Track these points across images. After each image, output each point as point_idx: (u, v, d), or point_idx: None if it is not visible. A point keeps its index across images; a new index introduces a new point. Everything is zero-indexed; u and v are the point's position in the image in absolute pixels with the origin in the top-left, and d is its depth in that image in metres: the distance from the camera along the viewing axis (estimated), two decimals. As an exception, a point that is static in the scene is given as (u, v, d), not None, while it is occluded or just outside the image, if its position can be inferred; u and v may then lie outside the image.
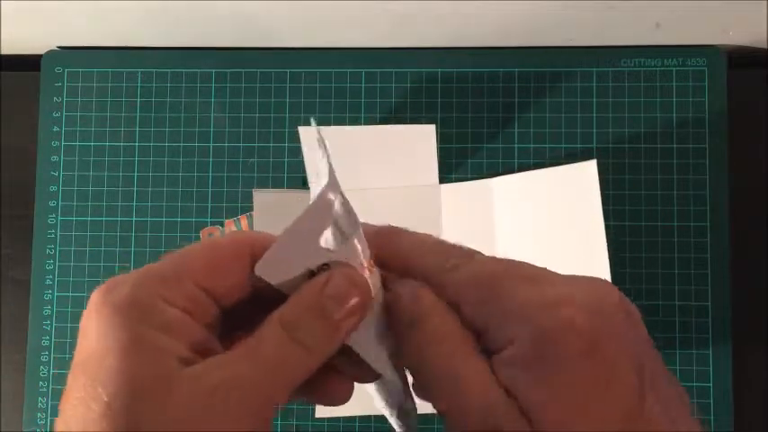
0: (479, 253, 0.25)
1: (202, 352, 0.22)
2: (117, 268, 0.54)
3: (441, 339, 0.23)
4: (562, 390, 0.21)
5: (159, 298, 0.22)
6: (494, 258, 0.25)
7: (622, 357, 0.22)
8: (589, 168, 0.50)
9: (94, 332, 0.22)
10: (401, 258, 0.26)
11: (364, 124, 0.54)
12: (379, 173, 0.53)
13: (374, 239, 0.26)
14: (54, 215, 0.55)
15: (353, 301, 0.24)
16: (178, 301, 0.23)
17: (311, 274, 0.24)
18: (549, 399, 0.21)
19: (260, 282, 0.24)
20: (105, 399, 0.21)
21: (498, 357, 0.23)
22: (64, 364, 0.53)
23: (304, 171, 0.53)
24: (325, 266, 0.24)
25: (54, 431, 0.22)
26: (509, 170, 0.53)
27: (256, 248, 0.24)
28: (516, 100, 0.54)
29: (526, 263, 0.25)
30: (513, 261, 0.25)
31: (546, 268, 0.25)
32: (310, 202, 0.25)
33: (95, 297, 0.23)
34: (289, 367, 0.23)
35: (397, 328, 0.25)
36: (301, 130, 0.51)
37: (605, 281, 0.24)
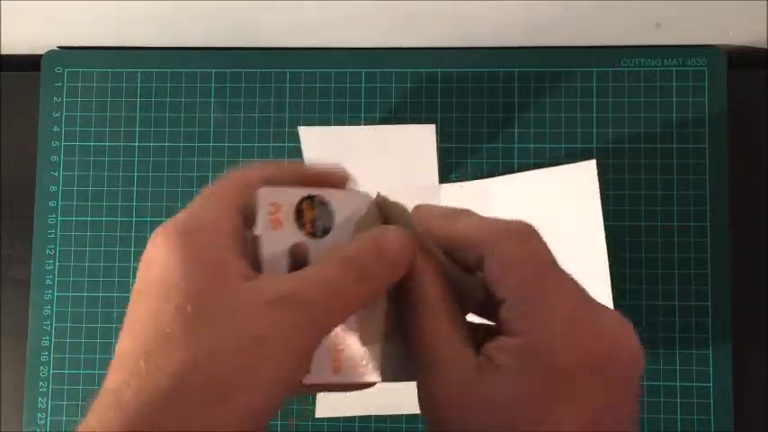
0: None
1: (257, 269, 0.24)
2: (117, 268, 0.54)
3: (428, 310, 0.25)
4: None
5: (214, 222, 0.24)
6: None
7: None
8: (589, 168, 0.50)
9: (163, 256, 0.23)
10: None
11: (364, 124, 0.54)
12: (379, 173, 0.53)
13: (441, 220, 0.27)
14: (54, 215, 0.55)
15: (406, 243, 0.25)
16: (229, 225, 0.24)
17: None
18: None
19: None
20: (175, 309, 0.22)
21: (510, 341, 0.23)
22: (64, 364, 0.53)
23: (304, 171, 0.53)
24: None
25: (119, 345, 0.23)
26: (509, 170, 0.53)
27: (250, 180, 0.26)
28: (516, 100, 0.54)
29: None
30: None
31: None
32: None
33: (159, 230, 0.24)
34: (342, 288, 0.24)
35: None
36: (301, 130, 0.51)
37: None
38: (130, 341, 0.22)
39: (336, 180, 0.28)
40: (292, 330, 0.22)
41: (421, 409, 0.24)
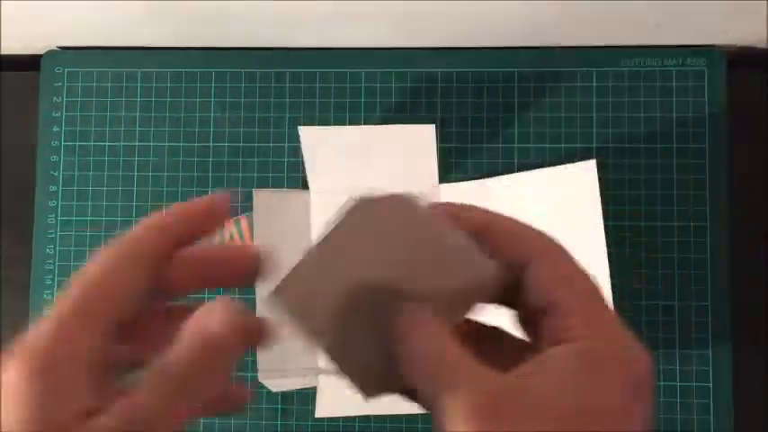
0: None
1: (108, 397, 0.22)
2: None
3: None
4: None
5: (65, 359, 0.23)
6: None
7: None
8: (589, 168, 0.50)
9: (7, 403, 0.22)
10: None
11: (364, 124, 0.54)
12: (379, 173, 0.53)
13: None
14: (54, 215, 0.55)
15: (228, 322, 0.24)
16: (83, 354, 0.23)
17: None
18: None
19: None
20: None
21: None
22: (64, 364, 0.53)
23: (304, 171, 0.53)
24: None
25: None
26: (509, 170, 0.53)
27: (144, 249, 0.24)
28: (516, 100, 0.54)
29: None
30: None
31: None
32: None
33: (8, 367, 0.23)
34: (163, 412, 0.22)
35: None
36: (301, 130, 0.51)
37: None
38: None
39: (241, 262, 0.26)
40: None
41: (444, 426, 0.24)
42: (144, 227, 0.25)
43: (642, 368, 0.24)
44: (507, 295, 0.26)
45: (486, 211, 0.27)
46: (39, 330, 0.23)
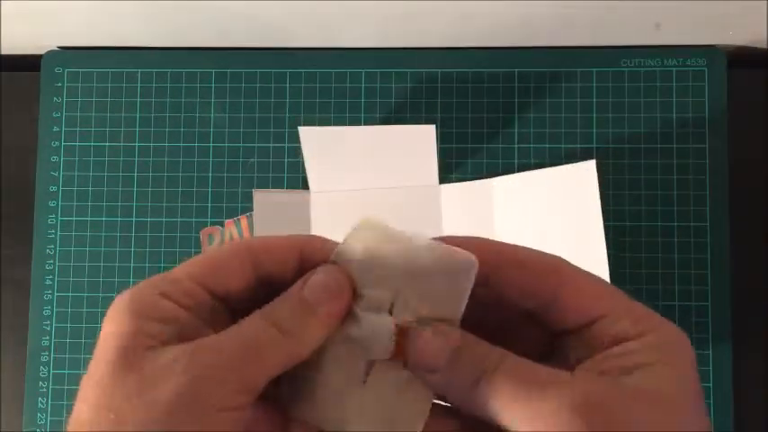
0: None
1: (192, 339, 0.24)
2: (117, 268, 0.54)
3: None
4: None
5: (158, 295, 0.24)
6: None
7: None
8: (589, 168, 0.50)
9: (104, 330, 0.24)
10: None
11: (364, 124, 0.54)
12: (379, 173, 0.53)
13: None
14: (54, 215, 0.55)
15: (331, 287, 0.25)
16: (174, 296, 0.24)
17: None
18: None
19: (267, 285, 0.26)
20: (96, 377, 0.23)
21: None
22: (64, 364, 0.53)
23: (304, 171, 0.53)
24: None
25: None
26: (509, 170, 0.53)
27: (256, 250, 0.26)
28: (516, 100, 0.54)
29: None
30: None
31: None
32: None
33: (112, 304, 0.25)
34: (263, 348, 0.24)
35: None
36: (301, 130, 0.51)
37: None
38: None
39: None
40: (212, 389, 0.23)
41: None
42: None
43: (691, 348, 0.25)
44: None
45: (489, 247, 0.26)
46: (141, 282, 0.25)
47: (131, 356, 0.23)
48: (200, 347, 0.23)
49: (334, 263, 0.26)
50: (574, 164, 0.51)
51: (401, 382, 0.25)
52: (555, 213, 0.51)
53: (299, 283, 0.25)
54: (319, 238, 0.27)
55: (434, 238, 0.26)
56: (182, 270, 0.25)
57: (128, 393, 0.22)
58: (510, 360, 0.24)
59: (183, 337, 0.24)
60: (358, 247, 0.25)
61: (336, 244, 0.26)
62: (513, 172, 0.53)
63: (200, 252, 0.54)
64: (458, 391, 0.24)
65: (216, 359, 0.23)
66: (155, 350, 0.23)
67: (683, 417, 0.23)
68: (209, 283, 0.25)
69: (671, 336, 0.24)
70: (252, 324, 0.24)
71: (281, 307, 0.25)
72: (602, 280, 0.26)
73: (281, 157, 0.55)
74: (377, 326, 0.25)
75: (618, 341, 0.24)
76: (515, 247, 0.26)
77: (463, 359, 0.24)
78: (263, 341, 0.24)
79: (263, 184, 0.54)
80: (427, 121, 0.53)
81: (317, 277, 0.25)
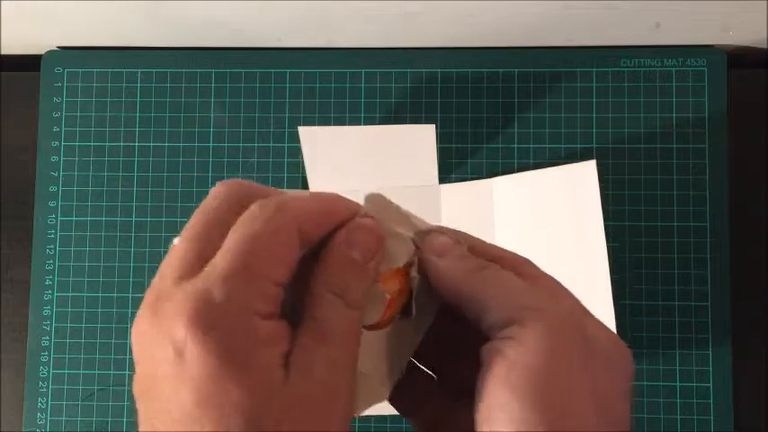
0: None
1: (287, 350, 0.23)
2: (117, 268, 0.54)
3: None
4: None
5: (251, 314, 0.22)
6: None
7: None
8: (589, 168, 0.50)
9: (196, 357, 0.21)
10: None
11: (364, 124, 0.54)
12: (379, 173, 0.53)
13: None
14: (54, 215, 0.55)
15: (372, 244, 0.25)
16: (264, 309, 0.22)
17: None
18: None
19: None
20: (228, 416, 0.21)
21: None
22: (64, 364, 0.53)
23: (304, 171, 0.53)
24: None
25: None
26: (509, 170, 0.53)
27: (302, 225, 0.24)
28: (516, 100, 0.54)
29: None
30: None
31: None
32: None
33: (187, 323, 0.21)
34: (355, 340, 0.24)
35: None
36: (301, 130, 0.51)
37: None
38: None
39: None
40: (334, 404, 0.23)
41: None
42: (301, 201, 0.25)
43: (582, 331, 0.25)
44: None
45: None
46: (204, 290, 0.22)
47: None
48: (315, 384, 0.23)
49: (368, 216, 0.26)
50: (574, 164, 0.51)
51: (389, 335, 0.27)
52: (555, 213, 0.51)
53: (342, 244, 0.25)
54: (341, 197, 0.26)
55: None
56: (253, 268, 0.22)
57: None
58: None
59: (284, 356, 0.23)
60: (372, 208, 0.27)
61: (352, 201, 0.27)
62: (512, 172, 0.53)
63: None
64: (459, 274, 0.26)
65: (331, 387, 0.23)
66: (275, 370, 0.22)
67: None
68: (280, 277, 0.23)
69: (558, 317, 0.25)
70: (338, 318, 0.24)
71: (344, 280, 0.24)
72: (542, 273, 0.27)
73: (281, 157, 0.55)
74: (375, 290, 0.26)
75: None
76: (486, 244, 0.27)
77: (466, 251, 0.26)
78: (355, 334, 0.24)
79: (263, 184, 0.54)
80: (427, 121, 0.53)
81: (363, 237, 0.25)
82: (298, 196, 0.25)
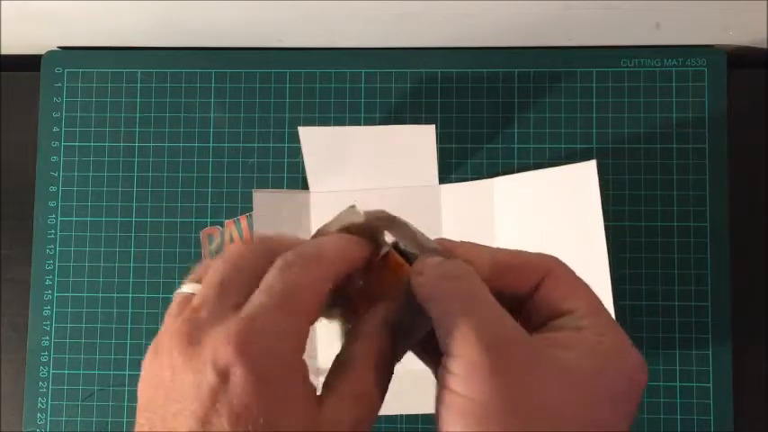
0: None
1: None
2: (117, 268, 0.54)
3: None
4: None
5: (291, 345, 0.24)
6: None
7: None
8: (589, 169, 0.50)
9: (245, 394, 0.23)
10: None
11: (364, 124, 0.54)
12: (379, 173, 0.53)
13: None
14: (54, 215, 0.55)
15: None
16: (300, 344, 0.25)
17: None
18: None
19: None
20: None
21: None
22: (64, 364, 0.53)
23: (304, 171, 0.53)
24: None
25: None
26: (509, 170, 0.53)
27: (334, 274, 0.27)
28: (516, 100, 0.54)
29: None
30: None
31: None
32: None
33: (231, 355, 0.23)
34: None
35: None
36: (301, 130, 0.51)
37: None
38: None
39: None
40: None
41: None
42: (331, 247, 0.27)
43: (638, 370, 0.26)
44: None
45: (482, 250, 0.28)
46: (251, 325, 0.24)
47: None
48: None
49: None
50: (574, 164, 0.51)
51: None
52: (555, 213, 0.51)
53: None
54: (357, 242, 0.29)
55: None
56: (292, 302, 0.25)
57: None
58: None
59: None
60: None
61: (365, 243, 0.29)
62: (513, 172, 0.53)
63: (199, 252, 0.54)
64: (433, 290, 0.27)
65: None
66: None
67: (589, 397, 0.24)
68: (314, 317, 0.26)
69: (619, 344, 0.26)
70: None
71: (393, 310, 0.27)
72: (586, 284, 0.28)
73: (281, 157, 0.55)
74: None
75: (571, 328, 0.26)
76: (509, 252, 0.28)
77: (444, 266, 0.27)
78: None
79: (263, 184, 0.54)
80: (427, 121, 0.53)
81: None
82: (322, 246, 0.27)
